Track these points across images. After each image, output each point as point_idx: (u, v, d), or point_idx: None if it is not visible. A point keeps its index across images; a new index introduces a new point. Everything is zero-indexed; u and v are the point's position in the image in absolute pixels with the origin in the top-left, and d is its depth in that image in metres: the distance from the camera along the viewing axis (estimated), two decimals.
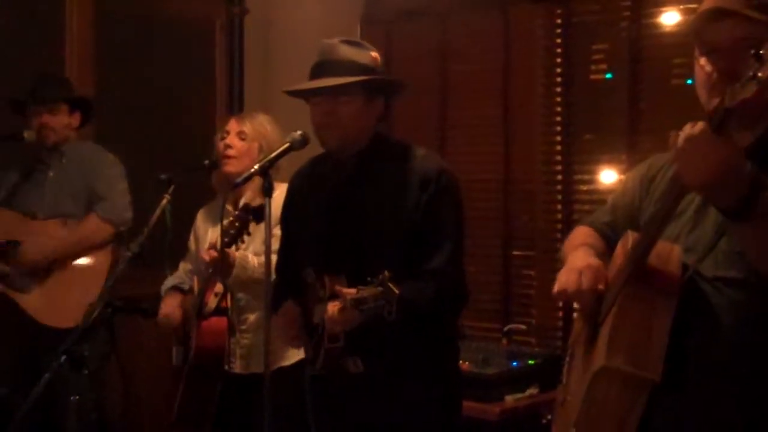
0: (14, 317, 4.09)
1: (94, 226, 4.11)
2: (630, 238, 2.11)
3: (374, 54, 2.85)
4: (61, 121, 4.20)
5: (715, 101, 1.93)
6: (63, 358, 3.13)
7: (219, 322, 3.59)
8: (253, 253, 3.53)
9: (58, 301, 4.01)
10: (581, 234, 2.41)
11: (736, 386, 1.95)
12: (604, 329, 2.01)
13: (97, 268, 4.08)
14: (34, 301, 4.09)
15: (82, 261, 4.13)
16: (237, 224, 3.14)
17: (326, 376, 2.85)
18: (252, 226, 3.20)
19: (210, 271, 3.45)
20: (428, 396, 2.82)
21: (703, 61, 2.00)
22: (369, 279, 2.48)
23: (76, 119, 4.27)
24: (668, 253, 2.00)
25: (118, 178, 4.20)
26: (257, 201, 3.26)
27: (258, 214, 2.89)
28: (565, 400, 2.27)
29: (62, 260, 4.11)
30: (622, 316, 1.94)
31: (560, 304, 4.46)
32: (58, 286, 4.09)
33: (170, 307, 3.74)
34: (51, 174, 4.20)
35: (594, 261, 2.17)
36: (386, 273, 2.43)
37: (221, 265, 3.36)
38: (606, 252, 2.29)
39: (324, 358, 2.77)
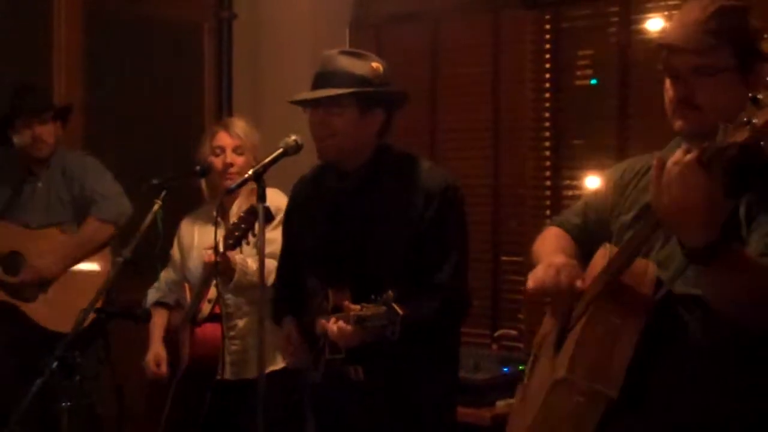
0: (17, 327, 4.10)
1: (94, 228, 4.10)
2: (609, 251, 2.10)
3: (375, 65, 2.82)
4: (51, 131, 4.17)
5: (678, 123, 2.01)
6: (55, 364, 3.12)
7: (213, 330, 3.57)
8: (249, 257, 3.52)
9: (65, 307, 3.94)
10: (553, 236, 2.41)
11: (699, 404, 1.95)
12: (570, 339, 2.02)
13: (99, 271, 4.07)
14: (41, 309, 4.08)
15: (84, 265, 4.11)
16: (243, 226, 3.11)
17: (326, 384, 2.84)
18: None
19: (208, 274, 3.43)
20: (426, 403, 2.82)
21: (668, 84, 2.05)
22: (373, 297, 2.48)
23: (60, 127, 4.25)
24: (643, 270, 2.00)
25: (101, 177, 4.18)
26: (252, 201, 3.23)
27: (266, 214, 2.86)
28: (525, 398, 2.28)
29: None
30: (589, 330, 1.95)
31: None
32: (63, 291, 4.07)
33: (155, 348, 3.73)
34: (40, 185, 4.20)
35: (571, 260, 2.17)
36: (390, 293, 2.42)
37: (222, 269, 3.32)
38: (578, 255, 2.29)
39: (325, 368, 2.77)
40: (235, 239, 3.15)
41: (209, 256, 3.37)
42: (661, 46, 2.05)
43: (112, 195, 4.13)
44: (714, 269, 1.77)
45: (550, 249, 2.31)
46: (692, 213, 1.72)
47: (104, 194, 4.12)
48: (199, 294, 3.56)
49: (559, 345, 2.12)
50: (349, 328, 2.57)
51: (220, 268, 3.34)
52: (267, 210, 2.77)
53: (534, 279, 2.15)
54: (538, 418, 2.02)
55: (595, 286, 2.04)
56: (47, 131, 4.16)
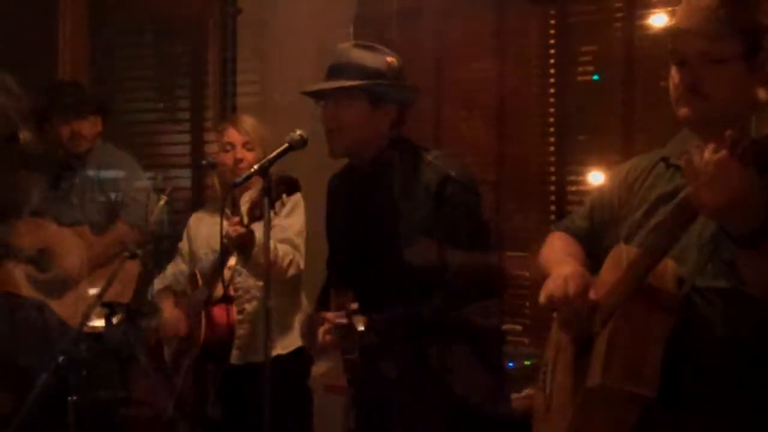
0: (46, 323, 4.12)
1: (122, 232, 4.11)
2: (624, 252, 2.09)
3: (390, 59, 2.81)
4: (88, 126, 4.21)
5: (683, 111, 2.01)
6: (61, 359, 3.13)
7: (226, 311, 3.57)
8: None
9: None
10: (560, 242, 2.39)
11: (730, 397, 1.96)
12: (598, 344, 2.02)
13: (128, 271, 4.04)
14: (68, 306, 4.09)
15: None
16: (272, 194, 3.04)
17: (364, 384, 2.82)
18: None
19: (227, 250, 3.39)
20: (466, 399, 2.79)
21: (673, 71, 2.05)
22: (346, 308, 2.49)
23: (99, 123, 4.27)
24: (663, 268, 2.00)
25: (133, 178, 4.20)
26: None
27: (292, 185, 2.82)
28: (550, 408, 2.27)
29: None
30: (619, 333, 1.96)
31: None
32: (92, 289, 4.06)
33: (170, 311, 3.72)
34: (76, 181, 4.25)
35: (581, 269, 2.17)
36: (352, 305, 2.44)
37: (244, 242, 3.28)
38: (586, 260, 2.28)
39: (346, 369, 2.75)
40: (261, 209, 3.10)
41: (235, 229, 3.29)
42: (668, 31, 2.05)
43: (141, 198, 4.13)
44: (761, 252, 1.78)
45: (559, 256, 2.30)
46: (732, 207, 1.74)
47: (134, 197, 4.14)
48: (215, 274, 3.54)
49: (579, 352, 2.12)
50: (327, 337, 2.61)
51: (242, 241, 3.28)
52: (294, 181, 2.75)
53: (545, 292, 2.15)
54: (574, 425, 2.04)
55: (617, 289, 2.03)
56: (85, 126, 4.21)
